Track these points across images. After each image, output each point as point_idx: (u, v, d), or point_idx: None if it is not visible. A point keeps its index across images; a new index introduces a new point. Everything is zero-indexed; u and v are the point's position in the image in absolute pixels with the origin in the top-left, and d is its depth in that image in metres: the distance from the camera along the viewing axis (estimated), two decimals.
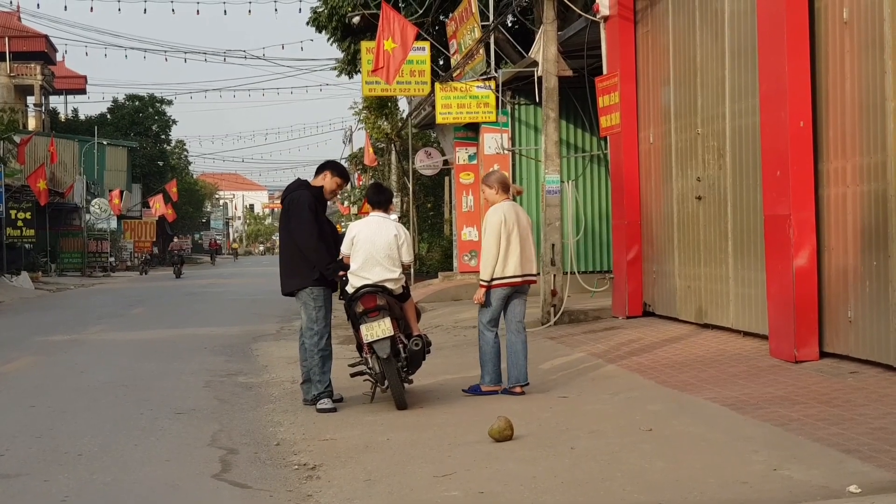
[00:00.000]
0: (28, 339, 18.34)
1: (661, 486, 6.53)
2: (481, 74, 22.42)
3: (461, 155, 24.86)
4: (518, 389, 10.42)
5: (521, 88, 21.96)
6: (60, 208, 56.01)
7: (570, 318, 16.37)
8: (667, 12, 14.77)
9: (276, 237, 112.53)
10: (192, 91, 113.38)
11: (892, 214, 9.53)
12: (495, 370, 10.53)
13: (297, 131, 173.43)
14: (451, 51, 24.92)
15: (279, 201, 12.70)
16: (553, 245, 16.41)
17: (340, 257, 10.28)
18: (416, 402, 10.16)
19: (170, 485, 7.47)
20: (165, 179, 73.96)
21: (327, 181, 10.50)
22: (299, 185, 10.63)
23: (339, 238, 10.57)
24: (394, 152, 38.83)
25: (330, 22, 31.95)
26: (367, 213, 10.62)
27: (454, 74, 23.77)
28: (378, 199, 10.48)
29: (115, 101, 79.89)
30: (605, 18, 16.28)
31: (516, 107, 22.75)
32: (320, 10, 32.47)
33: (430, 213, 39.43)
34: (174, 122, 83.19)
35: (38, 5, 79.03)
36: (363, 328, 9.84)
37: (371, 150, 38.89)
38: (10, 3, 58.25)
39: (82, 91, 79.12)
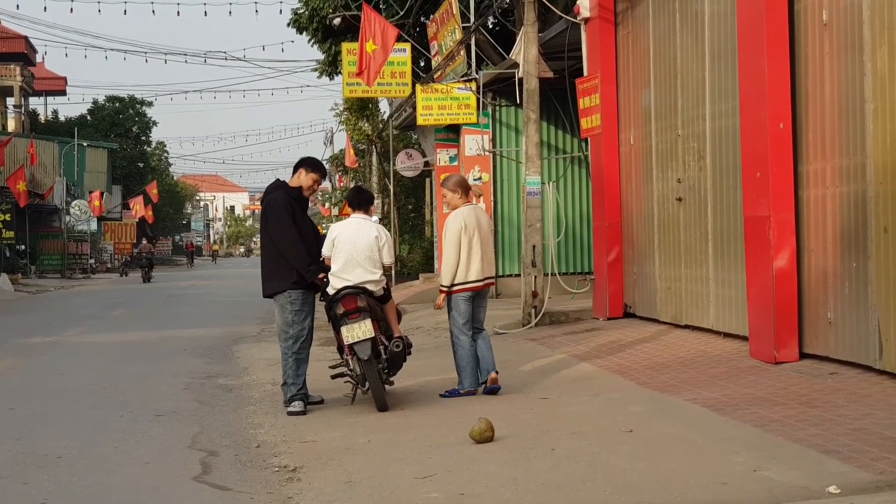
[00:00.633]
0: (7, 342, 18.24)
1: (642, 488, 6.54)
2: (462, 76, 22.42)
3: (442, 156, 24.87)
4: (493, 375, 10.49)
5: (501, 90, 21.97)
6: (40, 210, 55.78)
7: (550, 319, 16.38)
8: (647, 14, 14.80)
9: (256, 238, 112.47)
10: (173, 92, 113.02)
11: (872, 216, 9.57)
12: (473, 374, 10.55)
13: (277, 133, 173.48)
14: (432, 52, 24.92)
15: (259, 203, 12.68)
16: (534, 246, 16.41)
17: (321, 259, 10.27)
18: (397, 404, 10.15)
19: (150, 487, 7.44)
20: (146, 181, 73.77)
21: (303, 178, 10.49)
22: (277, 186, 10.62)
23: (320, 238, 10.55)
24: (375, 154, 38.79)
25: (311, 23, 31.94)
26: (349, 214, 10.62)
27: (435, 76, 23.77)
28: (359, 200, 10.48)
29: (95, 102, 79.61)
30: (586, 20, 16.29)
31: (497, 108, 22.75)
32: (301, 11, 32.46)
33: (411, 215, 39.43)
34: (154, 123, 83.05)
35: (17, 6, 77.84)
36: (344, 330, 9.82)
37: (352, 151, 38.86)
38: None
39: (62, 92, 78.72)
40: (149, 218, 65.89)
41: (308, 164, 10.65)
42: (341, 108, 39.92)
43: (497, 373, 10.57)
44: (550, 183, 19.85)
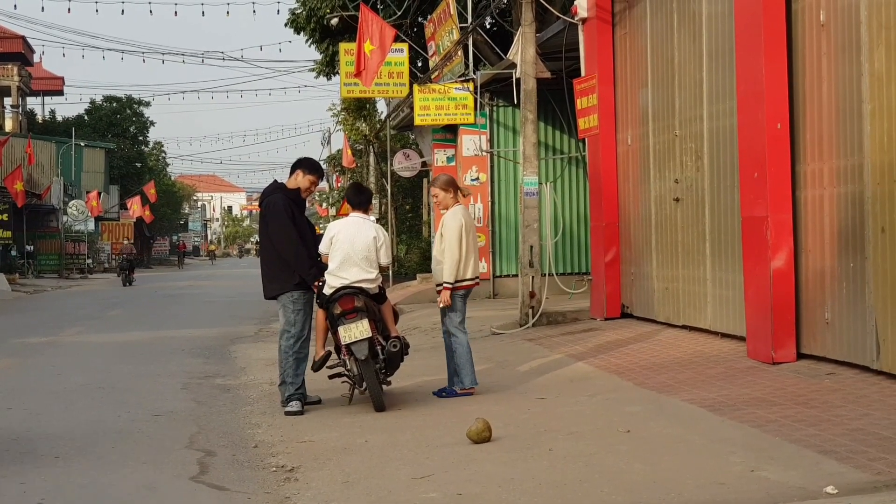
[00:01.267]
0: (4, 342, 18.23)
1: (639, 488, 6.54)
2: (459, 76, 22.42)
3: (439, 157, 24.85)
4: (473, 391, 10.62)
5: (499, 90, 21.97)
6: (37, 210, 55.75)
7: (548, 319, 16.37)
8: (645, 14, 14.80)
9: (254, 238, 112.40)
10: (170, 92, 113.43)
11: (869, 216, 9.57)
12: (472, 371, 10.57)
13: (275, 133, 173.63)
14: (430, 52, 24.89)
15: (257, 203, 12.68)
16: (531, 247, 16.41)
17: (319, 257, 10.30)
18: (394, 404, 10.15)
19: (147, 487, 7.44)
20: (143, 181, 73.71)
21: (300, 180, 10.50)
22: (275, 188, 10.61)
23: (317, 239, 10.56)
24: (372, 154, 38.79)
25: (308, 23, 31.90)
26: (347, 213, 10.63)
27: (432, 76, 23.76)
28: (358, 199, 10.47)
29: (92, 102, 79.56)
30: (584, 20, 16.30)
31: (494, 108, 22.77)
32: (298, 11, 32.42)
33: (408, 215, 39.42)
34: (152, 123, 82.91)
35: (14, 6, 77.86)
36: (341, 330, 9.83)
37: (349, 151, 38.84)
38: None
39: (59, 92, 78.72)
40: (147, 218, 65.84)
41: (305, 165, 10.65)
42: (339, 109, 39.89)
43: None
44: (548, 183, 19.84)
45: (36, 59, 72.14)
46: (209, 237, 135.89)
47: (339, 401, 10.56)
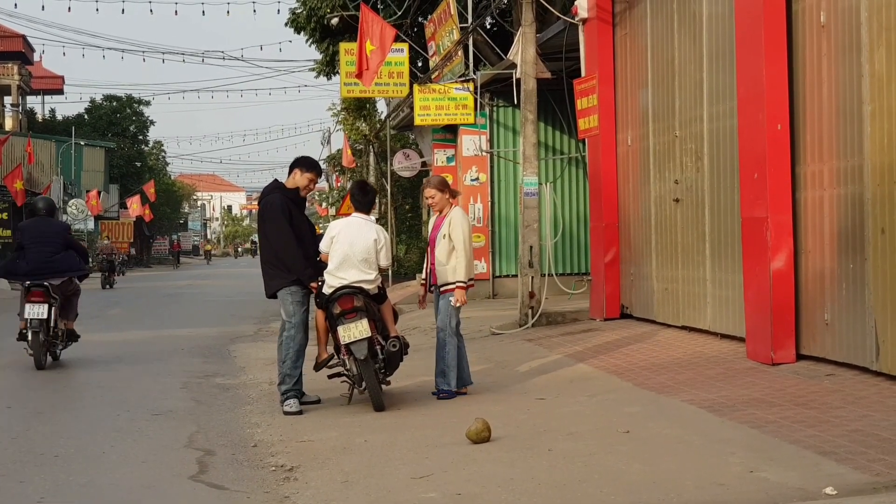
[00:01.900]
0: (4, 340, 18.20)
1: (639, 488, 6.55)
2: (460, 76, 22.42)
3: (439, 157, 24.85)
4: (464, 390, 10.74)
5: (499, 90, 21.97)
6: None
7: (547, 320, 16.38)
8: (645, 15, 14.80)
9: (253, 238, 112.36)
10: (170, 92, 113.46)
11: (869, 218, 9.57)
12: (462, 370, 10.74)
13: (275, 132, 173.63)
14: (430, 52, 24.89)
15: (257, 203, 12.69)
16: (531, 247, 16.42)
17: (319, 257, 10.31)
18: (393, 404, 10.16)
19: (146, 486, 7.44)
20: (143, 180, 73.63)
21: (298, 179, 10.51)
22: (274, 187, 10.62)
23: (317, 239, 10.57)
24: (372, 154, 38.77)
25: (308, 23, 31.90)
26: (348, 213, 10.65)
27: (432, 76, 23.76)
28: (363, 199, 10.46)
29: (92, 101, 79.45)
30: (584, 21, 16.30)
31: (495, 109, 22.76)
32: (299, 11, 32.42)
33: (408, 215, 39.40)
34: (152, 122, 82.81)
35: (15, 5, 78.17)
36: (340, 330, 9.83)
37: (349, 151, 38.83)
38: None
39: (59, 91, 78.67)
40: (146, 217, 65.80)
41: (303, 163, 10.65)
42: (339, 108, 39.87)
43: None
44: (548, 184, 19.84)
45: (36, 57, 72.05)
46: (209, 236, 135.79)
47: (338, 400, 10.56)
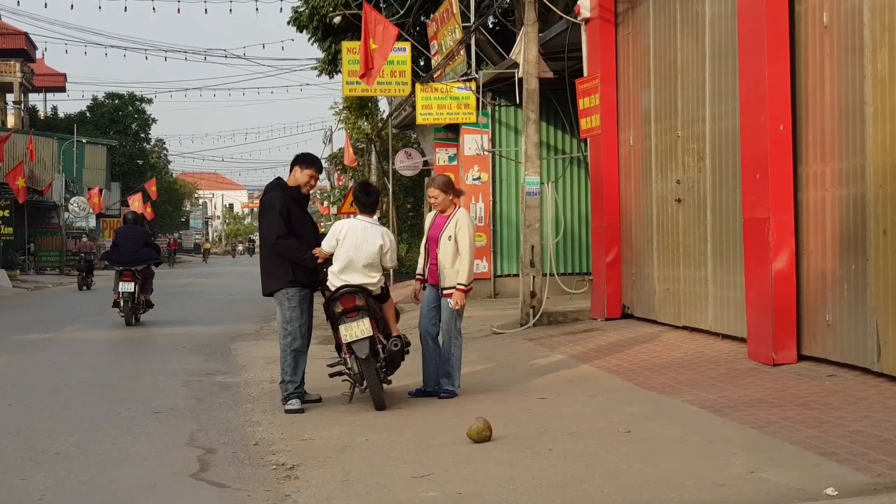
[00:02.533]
0: (5, 338, 18.23)
1: (639, 488, 6.55)
2: (462, 75, 22.42)
3: (441, 156, 24.83)
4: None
5: (501, 90, 21.97)
6: (39, 206, 55.69)
7: (548, 319, 16.37)
8: (648, 15, 14.80)
9: (252, 237, 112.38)
10: (173, 90, 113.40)
11: (871, 218, 9.57)
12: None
13: (277, 131, 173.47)
14: (432, 52, 24.91)
15: (258, 201, 12.68)
16: (532, 247, 16.42)
17: (314, 252, 10.20)
18: (394, 403, 10.15)
19: (147, 484, 7.44)
20: (145, 178, 73.69)
21: (298, 176, 10.45)
22: (275, 185, 10.58)
23: (320, 237, 10.50)
24: (374, 153, 38.78)
25: (311, 22, 31.92)
26: (351, 213, 10.60)
27: (435, 75, 23.76)
28: (366, 201, 10.37)
29: (94, 99, 79.50)
30: (586, 20, 16.29)
31: (497, 108, 22.75)
32: (301, 9, 32.44)
33: (409, 214, 39.40)
34: (154, 120, 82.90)
35: (17, 2, 78.79)
36: (342, 328, 9.82)
37: (351, 150, 38.83)
38: None
39: (62, 89, 78.62)
40: (148, 215, 65.83)
41: (302, 160, 10.60)
42: (341, 107, 39.91)
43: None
44: (549, 183, 19.86)
45: (38, 55, 71.92)
46: (210, 235, 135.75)
47: (339, 399, 10.55)
